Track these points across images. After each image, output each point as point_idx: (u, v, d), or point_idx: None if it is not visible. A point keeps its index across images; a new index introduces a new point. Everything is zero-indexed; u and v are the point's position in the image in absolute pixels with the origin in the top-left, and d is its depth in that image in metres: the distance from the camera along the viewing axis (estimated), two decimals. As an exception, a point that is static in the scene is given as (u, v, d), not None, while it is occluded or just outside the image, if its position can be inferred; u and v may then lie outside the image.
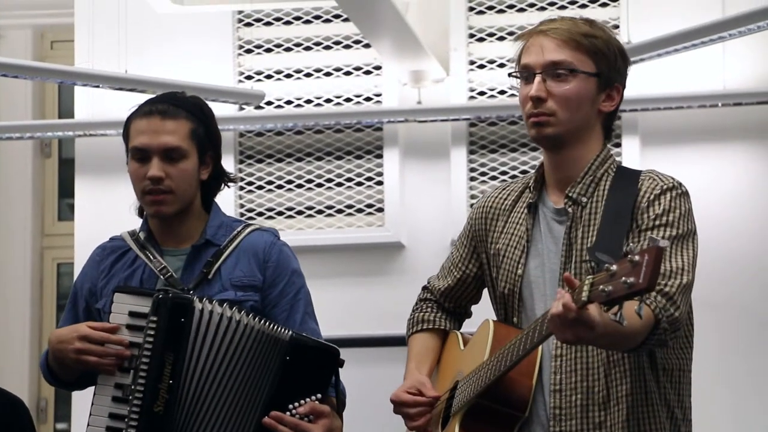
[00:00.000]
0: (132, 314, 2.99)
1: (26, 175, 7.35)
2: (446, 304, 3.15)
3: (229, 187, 3.28)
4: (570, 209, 2.88)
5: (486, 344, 2.91)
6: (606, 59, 2.88)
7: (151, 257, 3.14)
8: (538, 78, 2.86)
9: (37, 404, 7.03)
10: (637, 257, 2.40)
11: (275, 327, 3.01)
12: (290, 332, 3.01)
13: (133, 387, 2.92)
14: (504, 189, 3.07)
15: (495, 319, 3.00)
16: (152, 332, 2.94)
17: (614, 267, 2.44)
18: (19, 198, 7.34)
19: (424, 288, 3.22)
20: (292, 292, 3.17)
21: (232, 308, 2.99)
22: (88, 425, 2.95)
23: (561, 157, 2.91)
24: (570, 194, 2.89)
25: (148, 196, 3.11)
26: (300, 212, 5.83)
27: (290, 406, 2.98)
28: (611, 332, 2.57)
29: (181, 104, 3.16)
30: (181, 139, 3.10)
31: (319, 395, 3.01)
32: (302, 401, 2.99)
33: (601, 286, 2.44)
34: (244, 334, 2.98)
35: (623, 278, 2.40)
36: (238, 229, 3.20)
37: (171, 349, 2.93)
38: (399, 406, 2.98)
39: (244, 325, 2.98)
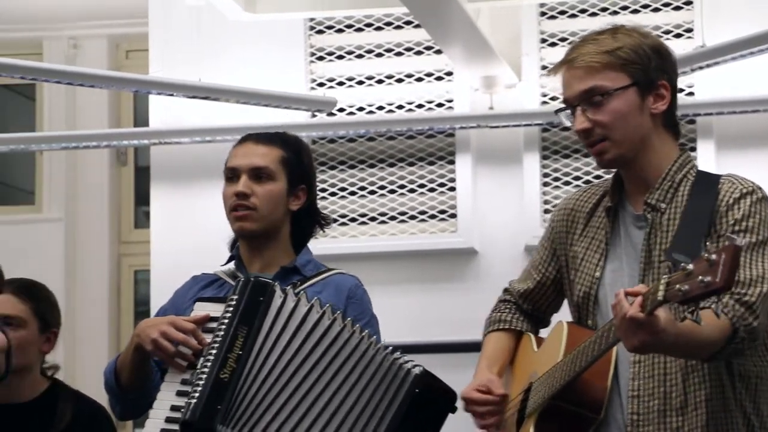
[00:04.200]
0: (210, 319, 3.03)
1: (103, 183, 7.43)
2: (525, 306, 3.15)
3: (324, 231, 3.35)
4: (649, 216, 2.87)
5: (560, 345, 2.90)
6: (639, 65, 2.84)
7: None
8: (578, 111, 2.86)
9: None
10: (714, 256, 2.38)
11: (401, 355, 3.03)
12: (421, 367, 3.04)
13: (203, 357, 2.94)
14: (585, 192, 3.06)
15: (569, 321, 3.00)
16: (231, 308, 2.98)
17: (691, 266, 2.42)
18: (96, 206, 7.42)
19: (505, 290, 3.23)
20: (371, 332, 3.19)
21: (335, 312, 3.01)
22: (148, 418, 2.99)
23: (633, 171, 2.90)
24: (648, 201, 2.87)
25: (233, 213, 3.22)
26: (373, 218, 5.83)
27: None
28: (684, 340, 2.54)
29: (278, 136, 3.31)
30: (270, 161, 3.24)
31: None
32: None
33: (677, 286, 2.43)
34: (347, 340, 2.99)
35: (700, 277, 2.38)
36: (325, 268, 3.30)
37: (246, 323, 2.95)
38: (468, 403, 2.99)
39: (339, 326, 2.99)
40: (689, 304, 2.45)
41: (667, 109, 2.89)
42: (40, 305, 3.81)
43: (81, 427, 3.75)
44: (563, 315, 3.07)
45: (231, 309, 2.97)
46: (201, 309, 3.06)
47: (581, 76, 2.84)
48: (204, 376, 2.92)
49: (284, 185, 3.24)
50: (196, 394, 2.90)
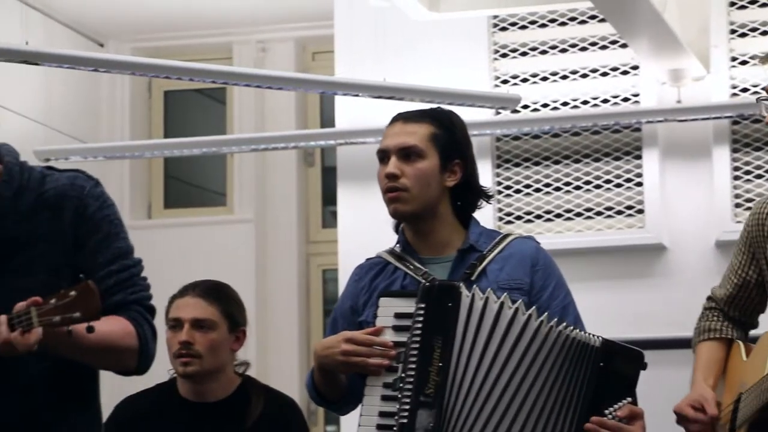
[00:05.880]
0: (397, 315, 3.00)
1: (291, 183, 7.53)
2: (731, 312, 3.10)
3: (489, 203, 3.27)
4: None
5: (766, 357, 2.84)
6: None
7: (410, 265, 3.16)
8: None
9: (307, 407, 7.18)
10: None
11: (582, 332, 2.99)
12: (599, 337, 2.98)
13: (402, 375, 2.93)
14: None
15: None
16: (420, 318, 2.94)
17: None
18: (284, 206, 7.53)
19: (708, 297, 3.19)
20: (561, 295, 3.16)
21: (515, 302, 2.97)
22: (359, 426, 2.98)
23: None
24: None
25: (386, 194, 3.15)
26: (558, 215, 5.79)
27: (606, 411, 2.95)
28: None
29: (427, 113, 3.21)
30: (419, 139, 3.14)
31: (629, 398, 2.98)
32: (616, 405, 2.96)
33: None
34: (537, 331, 2.95)
35: None
36: (500, 237, 3.21)
37: (439, 332, 2.92)
38: (681, 419, 2.97)
39: (535, 320, 2.95)
40: None
41: None
42: (228, 306, 3.86)
43: (271, 421, 3.80)
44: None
45: (420, 318, 2.94)
46: (386, 305, 3.02)
47: None
48: (408, 394, 2.90)
49: (436, 162, 3.14)
50: (405, 415, 2.89)
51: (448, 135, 3.18)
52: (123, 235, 2.81)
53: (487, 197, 3.25)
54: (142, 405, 3.87)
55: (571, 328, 2.98)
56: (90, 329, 2.54)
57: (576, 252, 5.64)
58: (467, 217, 3.23)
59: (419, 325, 2.95)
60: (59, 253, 2.66)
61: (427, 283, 3.01)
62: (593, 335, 2.99)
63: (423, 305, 2.95)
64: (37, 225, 2.72)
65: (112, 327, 2.72)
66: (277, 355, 7.35)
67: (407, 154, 3.13)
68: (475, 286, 3.00)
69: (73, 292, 2.50)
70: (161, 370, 3.59)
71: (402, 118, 3.20)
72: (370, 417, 2.97)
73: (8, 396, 2.72)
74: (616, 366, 2.96)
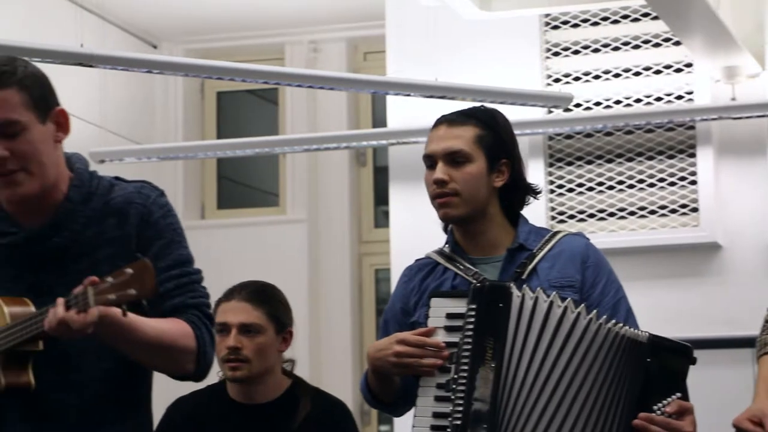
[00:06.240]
0: (449, 315, 2.99)
1: (343, 183, 7.55)
2: None
3: (537, 198, 3.26)
4: None
5: None
6: None
7: (460, 266, 3.16)
8: None
9: (361, 407, 7.18)
10: None
11: (629, 328, 2.97)
12: (646, 333, 2.96)
13: (455, 377, 2.93)
14: None
15: None
16: (472, 319, 2.93)
17: None
18: (336, 206, 7.54)
19: None
20: (612, 290, 3.14)
21: (563, 300, 2.95)
22: (413, 426, 2.97)
23: None
24: None
25: (435, 200, 3.14)
26: (612, 214, 5.77)
27: (654, 407, 2.93)
28: None
29: (470, 113, 3.19)
30: (465, 143, 3.12)
31: (678, 393, 2.95)
32: (665, 401, 2.94)
33: None
34: (586, 329, 2.93)
35: None
36: (549, 234, 3.20)
37: (491, 333, 2.91)
38: None
39: (584, 318, 2.94)
40: None
41: None
42: (274, 308, 3.86)
43: (320, 423, 3.80)
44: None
45: (472, 320, 2.93)
46: (437, 305, 3.02)
47: None
48: (461, 396, 2.90)
49: (483, 164, 3.12)
50: (458, 417, 2.88)
51: (494, 135, 3.16)
52: (185, 244, 2.86)
53: (535, 193, 3.24)
54: (193, 406, 3.88)
55: (621, 324, 2.96)
56: (139, 306, 2.58)
57: (629, 251, 5.61)
58: (516, 215, 3.22)
59: (471, 326, 2.94)
60: (123, 257, 2.70)
61: (478, 284, 3.00)
62: (641, 331, 2.97)
63: (474, 306, 2.94)
64: (103, 229, 2.78)
65: (170, 326, 2.74)
66: (330, 355, 7.36)
67: (454, 158, 3.12)
68: (525, 285, 2.99)
69: (129, 270, 2.53)
70: (211, 371, 3.61)
71: (446, 121, 3.18)
72: (423, 418, 2.96)
73: (66, 393, 2.76)
74: (664, 361, 2.94)
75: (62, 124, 2.81)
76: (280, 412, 3.82)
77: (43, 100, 2.76)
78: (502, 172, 3.16)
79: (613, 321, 2.97)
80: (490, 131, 3.16)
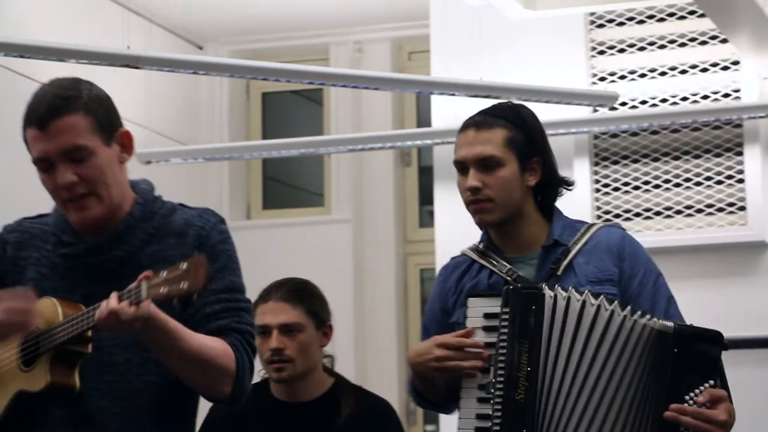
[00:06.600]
0: (486, 316, 2.99)
1: (388, 183, 7.55)
2: None
3: (569, 189, 3.24)
4: None
5: None
6: None
7: (495, 263, 3.14)
8: None
9: (406, 407, 7.19)
10: None
11: (654, 318, 2.94)
12: (672, 323, 2.93)
13: (493, 380, 2.93)
14: None
15: None
16: (505, 323, 2.93)
17: None
18: (382, 206, 7.55)
19: None
20: (651, 280, 3.11)
21: (597, 298, 2.94)
22: (458, 429, 2.98)
23: None
24: None
25: (471, 206, 3.12)
26: (658, 213, 5.74)
27: (686, 397, 2.90)
28: None
29: (497, 113, 3.15)
30: (496, 147, 3.08)
31: (711, 381, 2.92)
32: (697, 390, 2.91)
33: None
34: (621, 325, 2.92)
35: None
36: (584, 228, 3.17)
37: (525, 336, 2.91)
38: None
39: (619, 315, 2.92)
40: None
41: None
42: (312, 304, 3.86)
43: (363, 422, 3.80)
44: None
45: (505, 324, 2.93)
46: (475, 305, 3.01)
47: None
48: (499, 401, 2.90)
49: (515, 166, 3.09)
50: (497, 422, 2.89)
51: (523, 135, 3.12)
52: (238, 272, 2.88)
53: (568, 185, 3.21)
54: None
55: (642, 313, 2.93)
56: (169, 307, 2.61)
57: (676, 250, 5.58)
58: (550, 208, 3.19)
59: (504, 330, 2.93)
60: None
61: (510, 287, 2.98)
62: (665, 321, 2.94)
63: (507, 309, 2.94)
64: (162, 247, 2.82)
65: (213, 343, 2.76)
66: (376, 355, 7.37)
67: (486, 164, 3.08)
68: (557, 285, 2.97)
69: (183, 265, 2.56)
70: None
71: (473, 124, 3.14)
72: (468, 420, 2.97)
73: (108, 401, 2.78)
74: (695, 350, 2.91)
75: (126, 145, 2.84)
76: (323, 410, 3.82)
77: (108, 122, 2.80)
78: (534, 171, 3.14)
79: (647, 315, 2.94)
80: (519, 131, 3.12)
